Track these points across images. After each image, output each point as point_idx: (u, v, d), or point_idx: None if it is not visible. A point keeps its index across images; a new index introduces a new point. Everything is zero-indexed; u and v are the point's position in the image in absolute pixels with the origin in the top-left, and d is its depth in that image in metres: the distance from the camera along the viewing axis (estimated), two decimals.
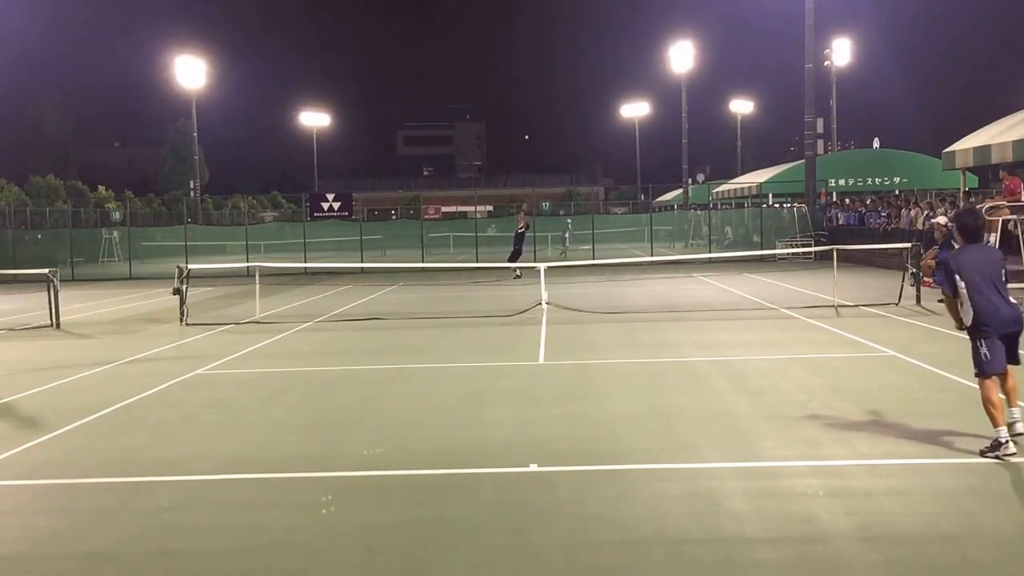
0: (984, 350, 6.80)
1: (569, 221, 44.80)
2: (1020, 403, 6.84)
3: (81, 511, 6.14)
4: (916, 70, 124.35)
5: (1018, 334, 6.90)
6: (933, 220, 21.53)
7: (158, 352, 13.51)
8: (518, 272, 26.13)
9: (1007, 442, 6.53)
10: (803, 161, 37.48)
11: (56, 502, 6.39)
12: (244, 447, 7.70)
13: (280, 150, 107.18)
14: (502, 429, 8.01)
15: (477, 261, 32.94)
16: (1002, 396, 6.77)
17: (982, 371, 6.81)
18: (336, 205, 38.97)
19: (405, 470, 6.84)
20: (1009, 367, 6.85)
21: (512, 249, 27.59)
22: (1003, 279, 6.94)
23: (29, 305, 20.71)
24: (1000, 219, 18.30)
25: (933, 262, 18.66)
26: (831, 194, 40.92)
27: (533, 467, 6.77)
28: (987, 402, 6.70)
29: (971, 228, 7.17)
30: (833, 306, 16.36)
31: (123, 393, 10.11)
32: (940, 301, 16.48)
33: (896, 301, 16.52)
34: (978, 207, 7.85)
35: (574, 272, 27.25)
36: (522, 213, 28.94)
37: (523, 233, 27.59)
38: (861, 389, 9.31)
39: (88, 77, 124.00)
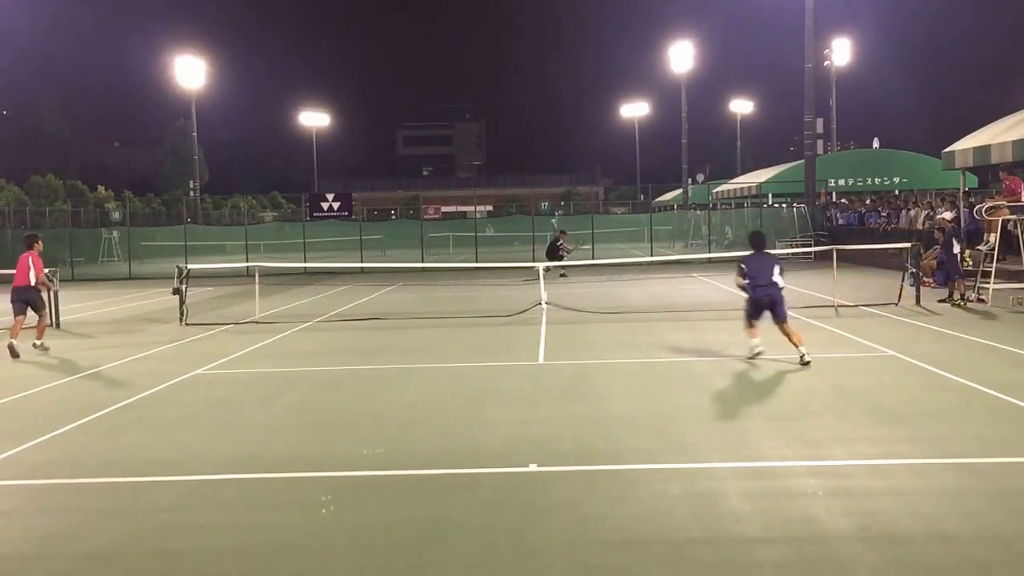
0: (748, 307, 11.29)
1: (554, 221, 44.55)
2: (802, 345, 10.77)
3: (81, 511, 6.14)
4: (916, 70, 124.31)
5: (772, 305, 11.02)
6: (940, 216, 21.56)
7: (158, 352, 13.51)
8: (563, 272, 26.55)
9: (757, 348, 11.15)
10: (803, 161, 37.48)
11: (56, 502, 6.39)
12: (244, 447, 7.70)
13: (280, 150, 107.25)
14: (502, 429, 8.01)
15: (477, 261, 32.97)
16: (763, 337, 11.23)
17: (747, 319, 11.32)
18: (336, 205, 38.99)
19: (405, 470, 6.84)
20: (784, 322, 11.01)
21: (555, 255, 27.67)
22: (773, 274, 11.08)
23: None
24: (1000, 219, 18.31)
25: (934, 262, 18.70)
26: (831, 194, 40.91)
27: (533, 467, 6.77)
28: (748, 332, 11.29)
29: (757, 241, 11.62)
30: (833, 306, 16.37)
31: (123, 393, 10.11)
32: (941, 301, 16.56)
33: (896, 301, 16.52)
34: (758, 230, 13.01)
35: (574, 272, 27.24)
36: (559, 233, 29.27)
37: (558, 245, 27.88)
38: (861, 389, 9.31)
39: (88, 77, 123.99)
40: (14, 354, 13.24)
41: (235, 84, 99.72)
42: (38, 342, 13.88)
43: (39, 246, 14.60)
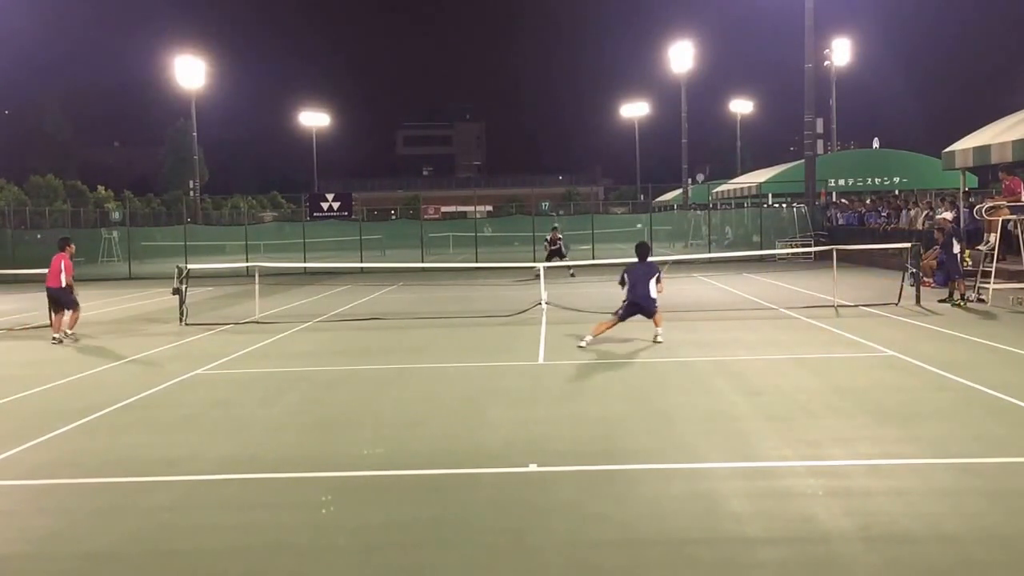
0: (621, 311, 12.79)
1: (556, 223, 44.36)
2: (660, 327, 12.92)
3: (81, 511, 6.14)
4: (916, 70, 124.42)
5: (644, 310, 12.69)
6: (940, 216, 21.58)
7: (158, 352, 13.51)
8: (572, 271, 26.67)
9: (585, 342, 12.57)
10: (803, 161, 37.47)
11: (56, 502, 6.39)
12: (244, 447, 7.70)
13: (280, 150, 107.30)
14: (502, 429, 8.01)
15: (477, 261, 32.97)
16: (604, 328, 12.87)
17: (619, 315, 12.78)
18: (336, 205, 38.98)
19: (405, 470, 6.84)
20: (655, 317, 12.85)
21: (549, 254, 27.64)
22: (650, 281, 12.64)
23: (29, 305, 20.70)
24: (1000, 219, 18.31)
25: (934, 262, 18.71)
26: (831, 194, 40.91)
27: (533, 467, 6.77)
28: (602, 325, 12.85)
29: (641, 252, 13.03)
30: (833, 306, 16.36)
31: (123, 393, 10.10)
32: (941, 301, 16.57)
33: (896, 301, 16.52)
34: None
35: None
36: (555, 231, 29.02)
37: (556, 248, 27.77)
38: (861, 389, 9.31)
39: (88, 77, 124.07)
40: (68, 341, 14.86)
41: (235, 84, 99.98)
42: (70, 331, 15.08)
43: (71, 248, 15.82)
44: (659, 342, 12.66)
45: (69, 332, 15.05)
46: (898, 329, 13.82)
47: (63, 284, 15.10)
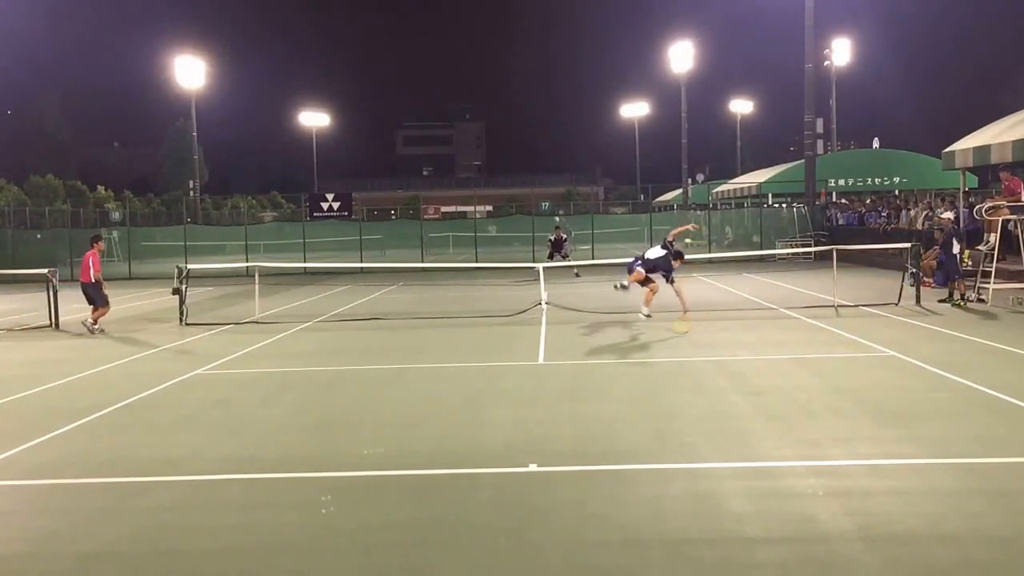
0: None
1: (557, 219, 44.21)
2: (646, 307, 14.95)
3: (81, 511, 6.14)
4: (916, 70, 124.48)
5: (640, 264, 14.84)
6: (940, 215, 21.58)
7: (158, 352, 13.51)
8: (576, 271, 26.65)
9: (626, 285, 15.10)
10: (803, 161, 37.47)
11: (56, 502, 6.39)
12: (244, 447, 7.70)
13: (280, 150, 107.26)
14: (502, 429, 8.01)
15: (477, 261, 32.97)
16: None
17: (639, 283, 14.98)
18: (336, 205, 39.02)
19: (405, 470, 6.84)
20: (649, 286, 14.93)
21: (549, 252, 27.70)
22: (648, 252, 14.96)
23: (28, 305, 20.71)
24: (1000, 219, 18.31)
25: (934, 262, 18.71)
26: (831, 194, 40.89)
27: (533, 467, 6.77)
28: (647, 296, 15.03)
29: (666, 245, 14.93)
30: (833, 306, 16.36)
31: (123, 393, 10.10)
32: (941, 301, 16.57)
33: (896, 301, 16.52)
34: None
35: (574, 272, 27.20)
36: (559, 230, 28.89)
37: (560, 241, 27.68)
38: (861, 389, 9.31)
39: (88, 77, 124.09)
40: (90, 331, 15.86)
41: (235, 84, 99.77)
42: (90, 321, 15.94)
43: (99, 245, 16.86)
44: (643, 314, 14.80)
45: (88, 322, 15.85)
46: (898, 329, 13.82)
47: (92, 279, 16.08)
